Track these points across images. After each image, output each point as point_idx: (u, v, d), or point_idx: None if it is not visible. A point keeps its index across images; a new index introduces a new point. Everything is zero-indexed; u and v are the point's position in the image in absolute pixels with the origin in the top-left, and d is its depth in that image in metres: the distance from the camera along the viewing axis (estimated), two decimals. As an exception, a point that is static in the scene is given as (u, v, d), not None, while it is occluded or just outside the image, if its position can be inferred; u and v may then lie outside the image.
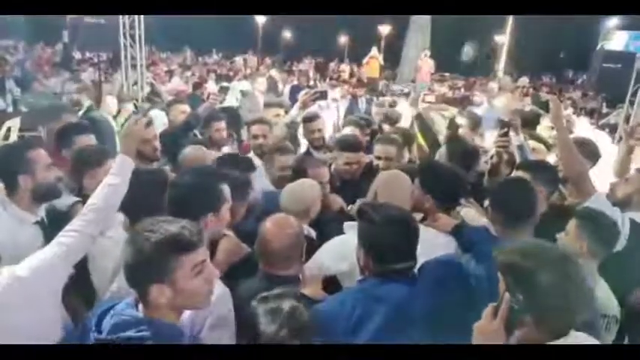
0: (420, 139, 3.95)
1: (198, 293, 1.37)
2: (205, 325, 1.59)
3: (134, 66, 6.93)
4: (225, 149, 3.73)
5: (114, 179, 1.91)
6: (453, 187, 2.29)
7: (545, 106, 2.70)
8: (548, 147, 3.59)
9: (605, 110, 11.25)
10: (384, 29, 20.19)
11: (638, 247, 2.27)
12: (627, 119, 8.19)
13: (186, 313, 1.50)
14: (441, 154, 3.21)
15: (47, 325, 1.63)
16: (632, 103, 8.56)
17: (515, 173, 2.51)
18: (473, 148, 3.14)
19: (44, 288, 1.64)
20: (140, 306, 1.36)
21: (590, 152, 2.96)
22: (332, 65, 16.65)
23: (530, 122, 4.28)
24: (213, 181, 1.91)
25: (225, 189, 1.92)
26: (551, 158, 3.47)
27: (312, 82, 10.82)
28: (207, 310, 1.54)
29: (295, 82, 10.06)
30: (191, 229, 1.35)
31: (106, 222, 1.89)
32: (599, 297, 2.07)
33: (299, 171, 2.83)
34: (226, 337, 1.63)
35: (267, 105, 4.45)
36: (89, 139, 2.96)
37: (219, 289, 1.66)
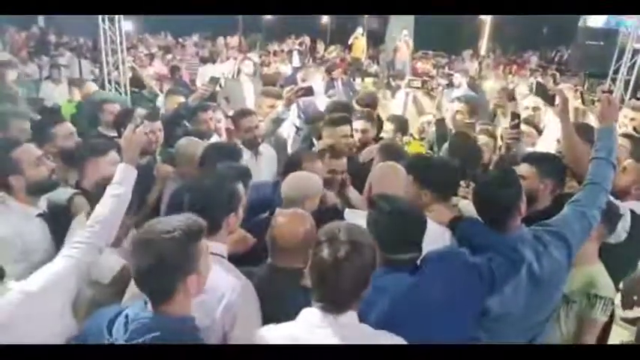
0: (419, 146, 3.91)
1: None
2: (235, 323, 1.63)
3: (114, 50, 6.74)
4: (214, 139, 3.67)
5: (118, 189, 1.89)
6: (447, 176, 2.29)
7: (551, 99, 2.66)
8: (539, 131, 3.60)
9: (586, 86, 11.33)
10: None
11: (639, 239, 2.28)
12: (609, 96, 8.23)
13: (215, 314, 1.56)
14: (443, 151, 3.14)
15: (60, 339, 1.60)
16: (614, 80, 8.66)
17: (519, 166, 2.39)
18: (477, 147, 3.05)
19: (56, 302, 1.61)
20: (149, 306, 1.37)
21: (589, 136, 2.85)
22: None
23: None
24: (230, 182, 1.92)
25: (240, 188, 1.94)
26: (542, 143, 3.49)
27: (296, 64, 10.68)
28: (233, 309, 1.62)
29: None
30: (192, 217, 1.43)
31: (111, 233, 1.87)
32: (598, 280, 2.13)
33: (294, 161, 2.80)
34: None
35: (266, 93, 4.18)
36: (68, 127, 2.95)
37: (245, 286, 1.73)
